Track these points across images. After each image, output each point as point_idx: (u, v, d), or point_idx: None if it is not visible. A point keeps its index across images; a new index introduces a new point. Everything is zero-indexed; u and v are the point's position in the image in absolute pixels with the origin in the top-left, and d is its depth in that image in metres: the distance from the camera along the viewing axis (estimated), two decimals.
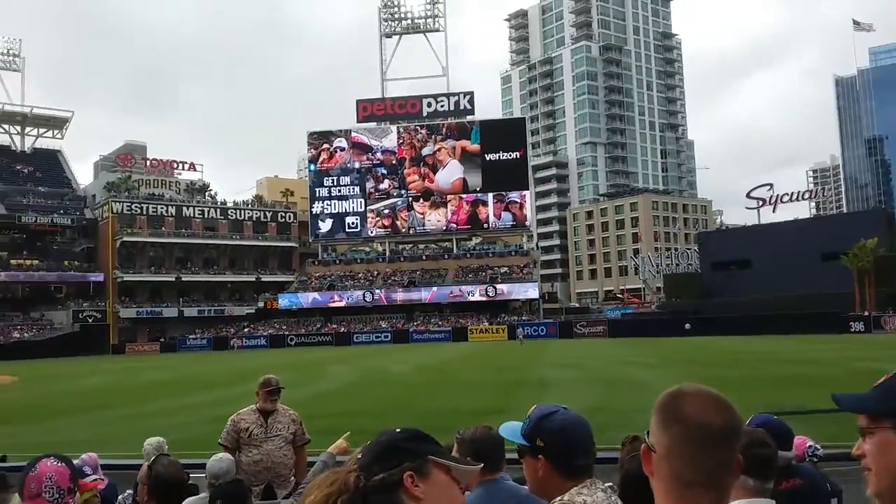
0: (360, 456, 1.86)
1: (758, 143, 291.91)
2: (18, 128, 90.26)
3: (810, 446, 5.10)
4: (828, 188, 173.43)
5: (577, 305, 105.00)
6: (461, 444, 3.77)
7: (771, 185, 72.65)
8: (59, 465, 2.97)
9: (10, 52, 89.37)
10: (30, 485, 2.92)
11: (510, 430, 2.72)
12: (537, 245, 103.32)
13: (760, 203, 72.04)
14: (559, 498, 2.43)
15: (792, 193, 73.68)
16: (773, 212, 72.82)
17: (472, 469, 1.95)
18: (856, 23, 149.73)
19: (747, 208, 74.21)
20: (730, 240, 76.50)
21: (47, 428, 16.30)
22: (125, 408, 20.96)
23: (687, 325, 56.74)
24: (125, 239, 79.17)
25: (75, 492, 3.17)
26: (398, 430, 1.86)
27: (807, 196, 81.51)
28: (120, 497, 6.19)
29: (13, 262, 75.83)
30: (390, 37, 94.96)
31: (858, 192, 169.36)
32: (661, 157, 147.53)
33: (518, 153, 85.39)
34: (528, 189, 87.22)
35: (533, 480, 2.48)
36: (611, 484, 2.68)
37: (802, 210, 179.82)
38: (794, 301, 57.20)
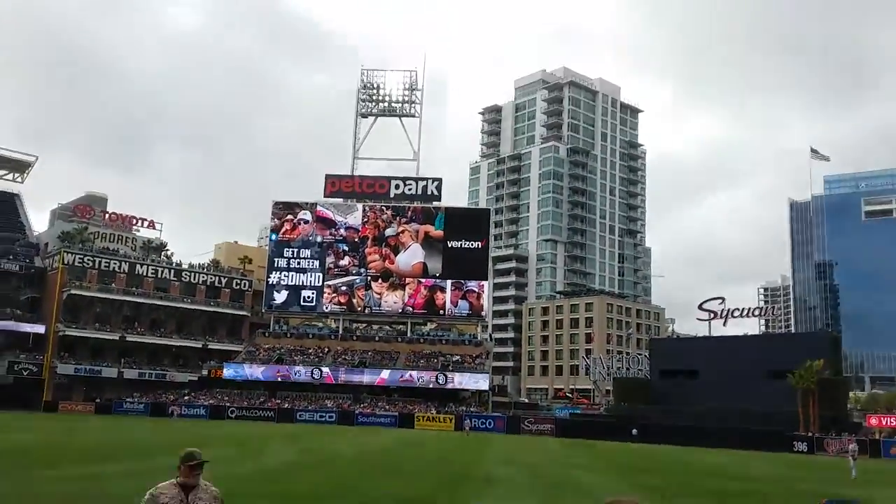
0: None
1: (712, 256, 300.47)
2: None
3: None
4: (777, 307, 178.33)
5: (527, 401, 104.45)
6: None
7: (723, 298, 74.32)
8: None
9: None
10: None
11: None
12: (491, 336, 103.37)
13: (712, 315, 73.47)
14: None
15: (743, 309, 75.41)
16: (724, 325, 74.27)
17: None
18: (813, 151, 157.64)
19: (699, 319, 75.55)
20: (680, 349, 77.66)
21: None
22: (54, 469, 19.99)
23: (634, 431, 56.69)
24: (73, 292, 77.04)
25: None
26: None
27: (757, 313, 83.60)
28: None
29: None
30: (366, 117, 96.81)
31: (807, 313, 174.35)
32: (619, 261, 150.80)
33: (480, 243, 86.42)
34: (486, 280, 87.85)
35: None
36: None
37: (752, 326, 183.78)
38: (739, 415, 57.88)
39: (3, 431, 36.34)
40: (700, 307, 74.72)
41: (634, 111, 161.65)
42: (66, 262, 77.58)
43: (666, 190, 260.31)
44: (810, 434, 52.88)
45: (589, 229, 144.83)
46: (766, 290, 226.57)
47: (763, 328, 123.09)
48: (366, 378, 76.12)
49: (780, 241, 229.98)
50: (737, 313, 74.35)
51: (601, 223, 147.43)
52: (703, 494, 21.04)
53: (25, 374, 71.83)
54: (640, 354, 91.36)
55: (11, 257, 79.16)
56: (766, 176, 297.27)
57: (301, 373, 76.50)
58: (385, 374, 76.36)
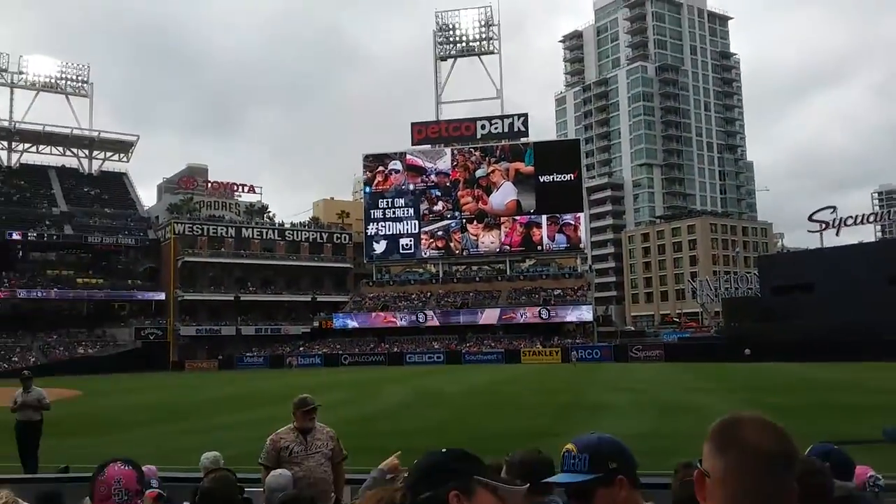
0: (406, 475, 1.91)
1: (821, 163, 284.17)
2: (86, 151, 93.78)
3: (871, 476, 4.95)
4: (894, 211, 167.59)
5: (633, 329, 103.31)
6: (510, 466, 3.79)
7: (834, 207, 70.41)
8: (127, 468, 3.08)
9: (79, 78, 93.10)
10: (99, 488, 3.04)
11: (562, 478, 2.62)
12: (591, 267, 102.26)
13: (823, 226, 69.87)
14: None
15: (857, 216, 71.20)
16: (837, 235, 70.47)
17: (518, 490, 1.95)
18: None
19: (809, 231, 72.00)
20: (791, 263, 74.20)
21: (109, 441, 16.80)
22: (185, 422, 21.45)
23: (746, 351, 55.23)
24: (186, 259, 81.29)
25: (142, 494, 3.32)
26: (444, 450, 1.87)
27: (872, 219, 78.65)
28: None
29: (79, 280, 78.52)
30: (445, 59, 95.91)
31: None
32: (720, 179, 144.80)
33: (572, 175, 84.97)
34: (582, 211, 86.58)
35: None
36: None
37: (867, 234, 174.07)
38: (858, 327, 55.14)
39: (139, 391, 39.14)
40: (810, 218, 71.19)
41: (723, 19, 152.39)
42: (176, 232, 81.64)
43: (765, 99, 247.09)
44: None
45: (685, 149, 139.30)
46: (881, 194, 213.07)
47: (880, 234, 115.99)
48: (469, 318, 77.12)
49: (894, 139, 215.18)
50: (850, 221, 70.31)
51: (698, 141, 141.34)
52: (834, 409, 20.32)
53: (152, 338, 76.74)
54: (748, 273, 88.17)
55: (127, 233, 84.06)
56: (875, 71, 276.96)
57: (407, 317, 78.33)
58: (487, 313, 77.10)
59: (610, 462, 2.39)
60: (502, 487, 1.86)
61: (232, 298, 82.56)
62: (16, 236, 76.83)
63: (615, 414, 21.29)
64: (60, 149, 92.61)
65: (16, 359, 66.07)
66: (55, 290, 76.69)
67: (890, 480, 5.76)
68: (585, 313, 75.20)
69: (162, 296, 79.94)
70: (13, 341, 71.94)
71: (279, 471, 6.12)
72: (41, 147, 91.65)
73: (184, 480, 7.16)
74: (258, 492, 6.54)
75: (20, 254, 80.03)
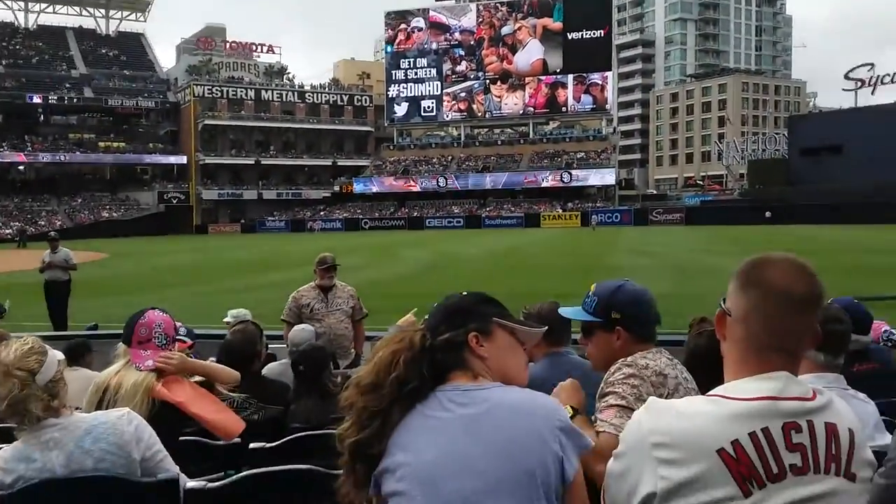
0: (427, 317, 1.92)
1: (864, 18, 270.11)
2: (102, 11, 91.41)
3: (886, 331, 4.99)
4: None
5: (655, 192, 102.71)
6: (528, 318, 3.81)
7: (872, 64, 67.72)
8: (165, 315, 3.22)
9: None
10: (139, 330, 3.13)
11: (570, 312, 2.74)
12: (616, 129, 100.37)
13: (859, 84, 67.48)
14: (622, 360, 2.45)
15: (894, 74, 68.56)
16: (872, 94, 68.26)
17: (536, 331, 2.00)
18: None
19: (844, 90, 69.83)
20: (823, 124, 72.10)
21: (135, 301, 17.30)
22: (210, 284, 22.01)
23: (767, 214, 54.89)
24: (206, 122, 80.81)
25: (176, 342, 3.41)
26: (464, 293, 1.92)
27: None
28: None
29: (101, 144, 78.75)
30: None
31: None
32: (756, 35, 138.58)
33: (602, 31, 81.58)
34: (610, 70, 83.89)
35: (607, 354, 2.51)
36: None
37: None
38: (888, 189, 54.16)
39: (163, 253, 40.06)
40: (846, 76, 68.68)
41: None
42: (196, 94, 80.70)
43: None
44: None
45: (722, 2, 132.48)
46: None
47: None
48: (490, 181, 76.90)
49: None
50: (887, 79, 67.75)
51: None
52: (855, 269, 20.29)
53: (175, 202, 77.71)
54: (777, 134, 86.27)
55: (146, 95, 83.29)
56: None
57: (428, 182, 78.30)
58: (509, 176, 76.78)
59: (614, 312, 2.49)
60: (520, 329, 1.91)
61: (253, 162, 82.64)
62: (36, 99, 76.45)
63: (632, 276, 21.32)
64: (77, 8, 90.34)
65: (42, 222, 67.51)
66: (78, 153, 77.10)
67: None
68: (608, 176, 74.58)
69: (183, 159, 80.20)
70: (39, 205, 73.27)
71: (301, 326, 6.26)
72: (57, 7, 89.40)
73: (211, 336, 7.39)
74: (281, 347, 6.75)
75: (41, 117, 79.90)
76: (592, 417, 2.42)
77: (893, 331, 5.17)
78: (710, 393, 1.56)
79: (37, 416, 2.25)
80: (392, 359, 1.76)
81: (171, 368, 3.13)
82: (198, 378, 3.52)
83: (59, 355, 2.41)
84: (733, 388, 1.53)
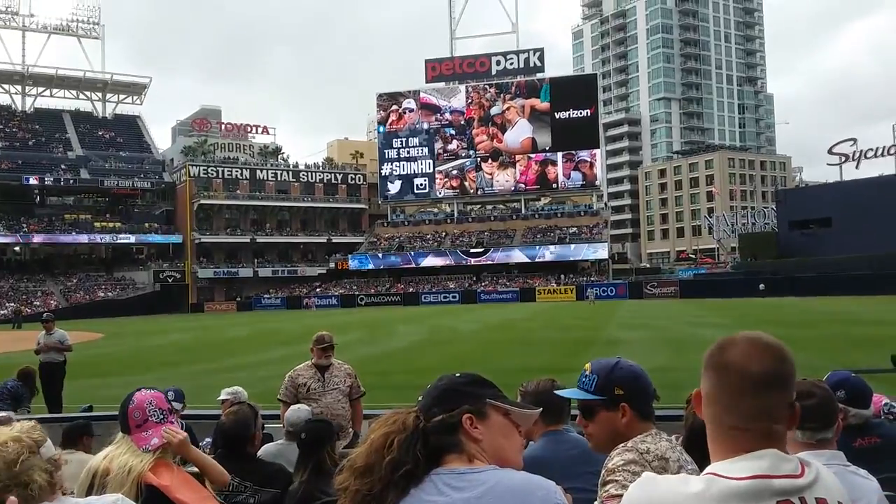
0: (420, 398, 1.91)
1: (843, 96, 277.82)
2: (100, 94, 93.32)
3: (886, 404, 4.95)
4: None
5: (648, 266, 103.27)
6: (524, 396, 3.79)
7: (854, 140, 69.28)
8: (153, 391, 3.20)
9: (90, 19, 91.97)
10: (133, 414, 3.10)
11: (568, 394, 2.72)
12: (607, 204, 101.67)
13: (843, 159, 68.87)
14: (622, 445, 2.44)
15: (876, 149, 70.06)
16: (857, 168, 69.54)
17: (531, 413, 1.97)
18: None
19: (829, 165, 71.12)
20: (810, 197, 73.39)
21: (131, 381, 17.10)
22: (206, 363, 21.81)
23: (761, 286, 55.15)
24: (202, 202, 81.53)
25: (173, 411, 3.39)
26: (458, 374, 1.90)
27: (892, 151, 77.27)
28: (200, 444, 6.48)
29: (97, 224, 79.15)
30: None
31: None
32: (739, 112, 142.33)
33: (589, 111, 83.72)
34: (598, 147, 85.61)
35: (611, 434, 2.47)
36: (675, 436, 2.67)
37: (887, 166, 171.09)
38: (878, 261, 54.79)
39: (160, 332, 39.78)
40: (830, 151, 70.15)
41: None
42: (191, 174, 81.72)
43: (787, 29, 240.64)
44: None
45: (704, 82, 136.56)
46: None
47: None
48: (484, 257, 77.28)
49: None
50: (870, 154, 69.27)
51: (717, 74, 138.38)
52: (850, 341, 20.36)
53: (170, 280, 77.60)
54: (765, 208, 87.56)
55: (142, 176, 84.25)
56: None
57: (422, 257, 78.64)
58: (503, 252, 77.22)
59: (617, 388, 2.46)
60: (515, 411, 1.86)
61: (248, 240, 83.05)
62: (33, 181, 77.21)
63: (629, 350, 21.38)
64: (74, 92, 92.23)
65: (38, 303, 67.18)
66: (74, 233, 77.44)
67: None
68: (601, 251, 75.12)
69: (179, 238, 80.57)
70: (34, 286, 73.06)
71: (297, 406, 6.19)
72: (54, 91, 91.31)
73: (207, 417, 7.29)
74: (278, 427, 6.65)
75: (37, 199, 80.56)
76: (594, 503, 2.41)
77: (893, 403, 5.14)
78: (705, 472, 1.57)
79: (39, 486, 2.14)
80: (385, 441, 1.73)
81: (175, 442, 3.12)
82: (192, 469, 3.47)
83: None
84: (725, 467, 1.52)
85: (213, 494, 3.38)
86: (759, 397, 1.52)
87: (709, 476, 1.52)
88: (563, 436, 3.56)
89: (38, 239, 75.70)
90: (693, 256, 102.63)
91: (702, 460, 2.31)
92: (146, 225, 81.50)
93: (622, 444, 2.41)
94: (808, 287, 52.84)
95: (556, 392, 2.99)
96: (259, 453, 5.36)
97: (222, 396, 6.52)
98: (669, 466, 2.34)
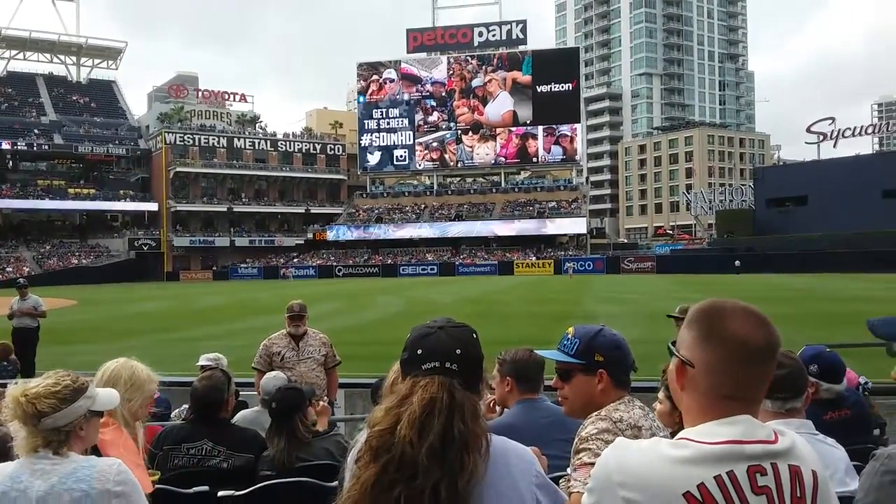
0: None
1: (825, 74, 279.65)
2: (74, 58, 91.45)
3: (861, 378, 5.05)
4: (893, 122, 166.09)
5: (626, 241, 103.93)
6: (502, 364, 3.79)
7: (833, 119, 69.81)
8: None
9: None
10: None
11: (548, 354, 2.72)
12: (587, 179, 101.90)
13: (821, 138, 69.43)
14: (595, 413, 2.44)
15: (854, 128, 70.70)
16: (835, 146, 70.16)
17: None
18: None
19: (807, 143, 71.72)
20: (787, 175, 74.13)
21: (105, 348, 16.98)
22: (181, 330, 21.68)
23: (737, 263, 55.74)
24: (178, 169, 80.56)
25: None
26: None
27: (870, 130, 77.99)
28: (175, 411, 6.46)
29: (71, 191, 77.98)
30: None
31: None
32: (720, 89, 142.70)
33: (570, 84, 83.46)
34: (579, 122, 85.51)
35: (586, 399, 2.50)
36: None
37: (865, 146, 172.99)
38: (852, 239, 55.57)
39: (134, 300, 39.46)
40: (808, 129, 70.69)
41: None
42: (167, 141, 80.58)
43: (771, 8, 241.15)
44: None
45: (686, 58, 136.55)
46: (881, 105, 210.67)
47: (877, 147, 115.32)
48: (463, 230, 77.28)
49: None
50: (848, 133, 69.90)
51: (699, 50, 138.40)
52: (824, 317, 20.62)
53: (145, 248, 76.90)
54: (743, 185, 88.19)
55: (118, 142, 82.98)
56: None
57: (401, 229, 78.48)
58: (481, 225, 77.25)
59: (597, 355, 2.47)
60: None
61: (225, 209, 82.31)
62: (5, 146, 75.75)
63: (606, 322, 21.48)
64: (48, 56, 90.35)
65: (10, 269, 66.29)
66: (47, 199, 76.25)
67: (878, 384, 5.86)
68: (580, 226, 75.37)
69: (154, 206, 79.64)
70: (7, 252, 72.04)
71: (273, 373, 6.18)
72: (28, 54, 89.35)
73: (182, 384, 7.26)
74: (253, 394, 6.64)
75: (10, 164, 79.09)
76: (567, 471, 2.41)
77: (868, 380, 5.24)
78: (678, 437, 1.58)
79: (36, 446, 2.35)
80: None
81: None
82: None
83: (96, 400, 2.51)
84: (698, 432, 1.54)
85: (143, 463, 3.36)
86: (759, 366, 1.55)
87: (681, 440, 1.54)
88: (538, 404, 3.57)
89: (10, 204, 74.44)
90: (670, 232, 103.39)
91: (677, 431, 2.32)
92: (121, 192, 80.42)
93: (595, 413, 2.42)
94: (784, 264, 53.49)
95: (537, 352, 3.00)
96: (235, 419, 5.35)
97: (202, 362, 6.50)
98: (642, 435, 2.35)
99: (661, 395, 3.74)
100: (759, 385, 1.58)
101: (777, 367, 2.67)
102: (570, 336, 2.54)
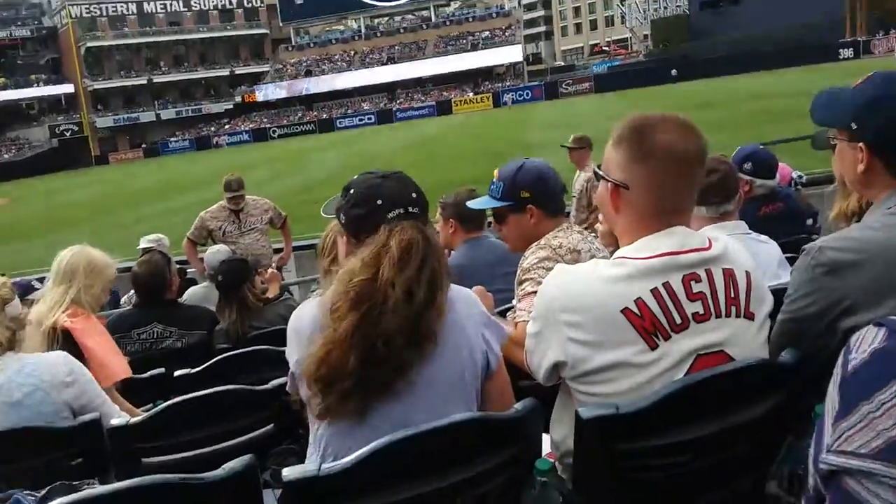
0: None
1: None
2: None
3: (795, 172, 5.21)
4: None
5: (563, 64, 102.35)
6: (445, 208, 3.77)
7: None
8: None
9: None
10: None
11: (479, 203, 2.72)
12: (520, 2, 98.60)
13: None
14: (535, 243, 2.45)
15: None
16: None
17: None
18: None
19: None
20: None
21: (45, 242, 16.54)
22: (121, 215, 21.21)
23: (673, 72, 55.52)
24: (89, 44, 75.58)
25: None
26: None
27: None
28: (125, 297, 6.40)
29: None
30: None
31: None
32: None
33: None
34: None
35: (523, 234, 2.52)
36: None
37: None
38: (784, 34, 55.24)
39: (67, 189, 38.17)
40: None
41: None
42: (73, 15, 75.04)
43: None
44: (857, 38, 50.91)
45: None
46: None
47: None
48: (397, 72, 75.16)
49: None
50: None
51: None
52: (762, 115, 20.90)
53: (68, 134, 73.48)
54: None
55: (20, 23, 77.27)
56: None
57: (333, 80, 76.07)
58: (415, 65, 75.19)
59: (523, 192, 2.48)
60: None
61: (145, 82, 78.22)
62: None
63: (550, 151, 21.60)
64: None
65: None
66: None
67: (811, 175, 6.01)
68: (515, 53, 73.79)
69: (70, 88, 75.29)
70: None
71: (216, 247, 6.14)
72: None
73: (126, 270, 7.13)
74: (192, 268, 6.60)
75: None
76: (512, 301, 2.45)
77: (801, 173, 5.39)
78: (614, 256, 1.60)
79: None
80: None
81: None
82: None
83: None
84: (635, 248, 1.57)
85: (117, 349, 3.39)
86: (691, 175, 1.58)
87: (618, 259, 1.57)
88: (481, 241, 3.60)
89: None
90: (606, 49, 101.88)
91: None
92: (32, 77, 75.55)
93: (535, 243, 2.44)
94: (721, 67, 53.07)
95: (467, 203, 2.99)
96: (185, 297, 5.33)
97: (143, 245, 6.32)
98: (582, 258, 2.38)
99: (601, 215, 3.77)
100: (691, 193, 1.60)
101: (709, 173, 2.70)
102: (495, 180, 2.55)
